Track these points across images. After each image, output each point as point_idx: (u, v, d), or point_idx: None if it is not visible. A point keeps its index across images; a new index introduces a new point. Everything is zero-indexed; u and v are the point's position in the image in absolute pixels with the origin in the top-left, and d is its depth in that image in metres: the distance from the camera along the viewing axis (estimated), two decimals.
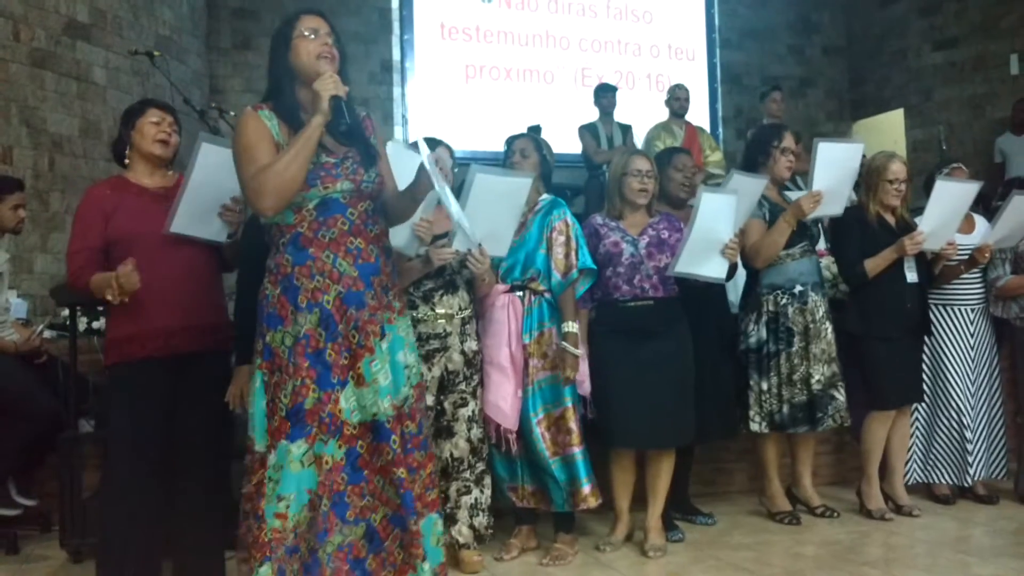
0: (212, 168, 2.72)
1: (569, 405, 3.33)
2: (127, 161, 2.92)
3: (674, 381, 3.38)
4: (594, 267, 3.40)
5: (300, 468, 2.29)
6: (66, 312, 3.71)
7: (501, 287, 3.35)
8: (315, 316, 2.31)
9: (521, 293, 3.36)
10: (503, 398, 3.26)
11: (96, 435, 3.58)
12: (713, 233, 3.29)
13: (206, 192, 2.75)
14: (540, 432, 3.31)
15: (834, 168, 3.70)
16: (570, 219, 3.42)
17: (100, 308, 3.63)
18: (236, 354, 3.06)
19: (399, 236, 2.97)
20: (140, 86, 5.94)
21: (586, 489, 3.32)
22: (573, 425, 3.31)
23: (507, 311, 3.32)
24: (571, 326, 3.33)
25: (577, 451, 3.31)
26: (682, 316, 3.46)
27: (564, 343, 3.30)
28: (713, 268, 3.34)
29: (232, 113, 5.04)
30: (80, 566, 3.36)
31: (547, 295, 3.38)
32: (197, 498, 2.84)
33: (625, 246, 3.45)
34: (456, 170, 3.41)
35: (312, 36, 2.36)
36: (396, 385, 2.37)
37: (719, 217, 3.29)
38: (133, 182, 2.88)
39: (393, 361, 2.38)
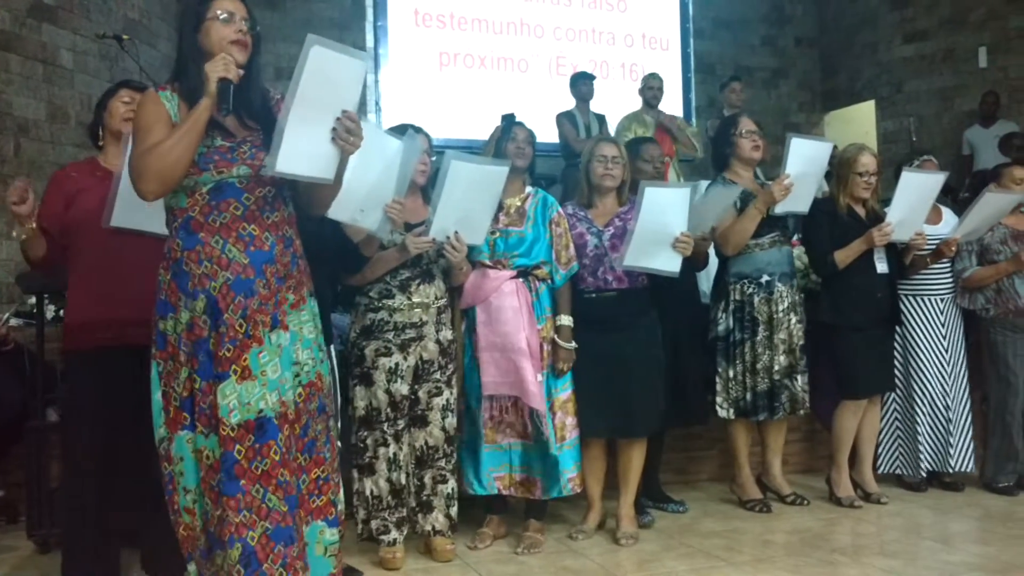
0: None
1: (572, 389, 3.37)
2: (101, 144, 2.89)
3: (641, 371, 3.39)
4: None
5: (194, 462, 2.22)
6: (33, 300, 3.65)
7: (507, 273, 3.33)
8: (201, 303, 2.20)
9: (526, 279, 3.35)
10: (531, 383, 3.25)
11: (63, 424, 3.53)
12: (662, 227, 3.27)
13: None
14: (551, 416, 3.32)
15: (804, 163, 3.71)
16: (563, 211, 3.45)
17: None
18: None
19: (371, 218, 2.94)
20: (108, 70, 5.85)
21: (578, 474, 3.37)
22: (575, 408, 3.37)
23: (517, 297, 3.31)
24: (565, 319, 3.35)
25: (577, 434, 3.37)
26: (649, 307, 3.47)
27: (557, 337, 3.32)
28: (665, 262, 3.32)
29: None
30: (47, 557, 3.32)
31: (548, 282, 3.38)
32: (158, 490, 2.80)
33: (590, 238, 3.45)
34: (433, 158, 3.39)
35: (225, 19, 2.23)
36: (288, 383, 2.24)
37: (667, 211, 3.26)
38: (102, 165, 2.85)
39: (289, 357, 2.25)
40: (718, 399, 3.83)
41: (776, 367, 3.76)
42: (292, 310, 2.29)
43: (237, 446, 2.15)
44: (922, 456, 4.11)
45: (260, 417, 2.18)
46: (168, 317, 2.24)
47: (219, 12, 2.23)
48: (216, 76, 2.16)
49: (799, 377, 3.80)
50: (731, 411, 3.82)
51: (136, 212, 2.65)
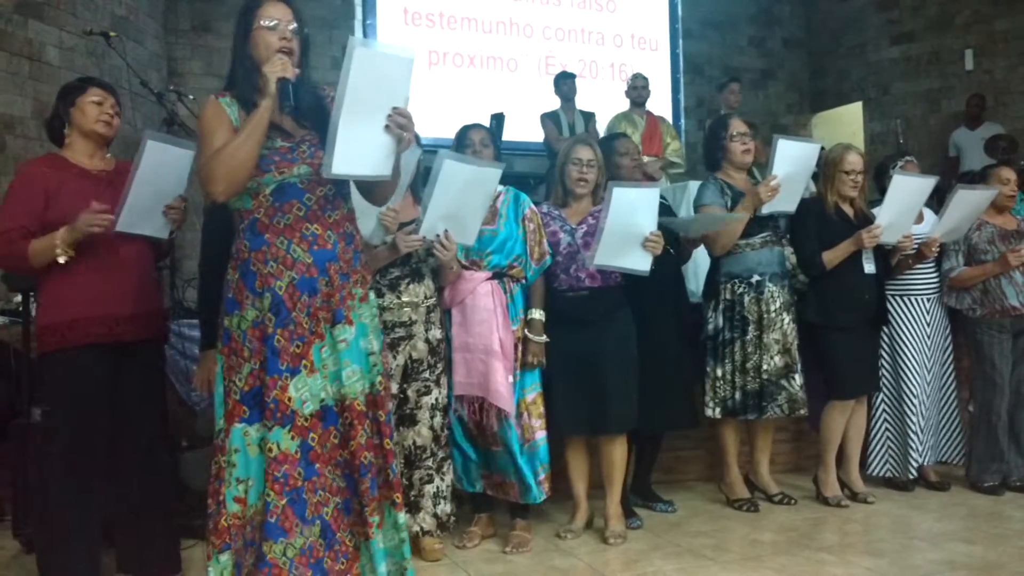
0: (157, 166, 2.65)
1: (540, 390, 3.37)
2: (66, 140, 2.84)
3: (615, 368, 3.39)
4: (552, 253, 3.43)
5: (257, 453, 2.30)
6: (18, 298, 3.62)
7: (482, 274, 3.34)
8: (267, 301, 2.30)
9: (500, 280, 3.35)
10: (501, 383, 3.25)
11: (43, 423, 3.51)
12: (631, 227, 3.27)
13: (151, 190, 2.67)
14: (516, 422, 3.31)
15: (791, 165, 3.73)
16: (534, 207, 3.46)
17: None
18: (200, 340, 3.05)
19: (365, 225, 2.94)
20: (95, 67, 5.81)
21: (545, 476, 3.36)
22: (543, 410, 3.37)
23: (492, 298, 3.31)
24: (536, 313, 3.35)
25: (542, 436, 3.36)
26: (623, 304, 3.48)
27: (528, 331, 3.33)
28: (635, 261, 3.32)
29: (192, 97, 4.96)
30: (33, 556, 3.29)
31: (522, 282, 3.38)
32: (143, 487, 2.80)
33: (563, 235, 3.46)
34: (422, 156, 3.38)
35: (271, 27, 2.32)
36: (365, 371, 2.37)
37: (636, 211, 3.27)
38: (73, 162, 2.80)
39: (358, 349, 2.36)
40: (707, 398, 3.84)
41: (768, 367, 3.77)
42: (361, 303, 2.40)
43: (311, 434, 2.30)
44: (911, 455, 4.13)
45: (323, 406, 2.33)
46: (234, 314, 2.33)
47: (264, 20, 2.33)
48: (275, 76, 2.26)
49: (796, 377, 3.81)
50: (718, 410, 3.83)
51: (141, 218, 2.69)
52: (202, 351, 3.02)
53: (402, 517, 2.46)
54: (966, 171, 7.43)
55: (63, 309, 2.71)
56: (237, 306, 2.33)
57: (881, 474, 4.23)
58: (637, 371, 3.46)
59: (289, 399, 2.28)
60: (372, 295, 2.48)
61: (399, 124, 2.30)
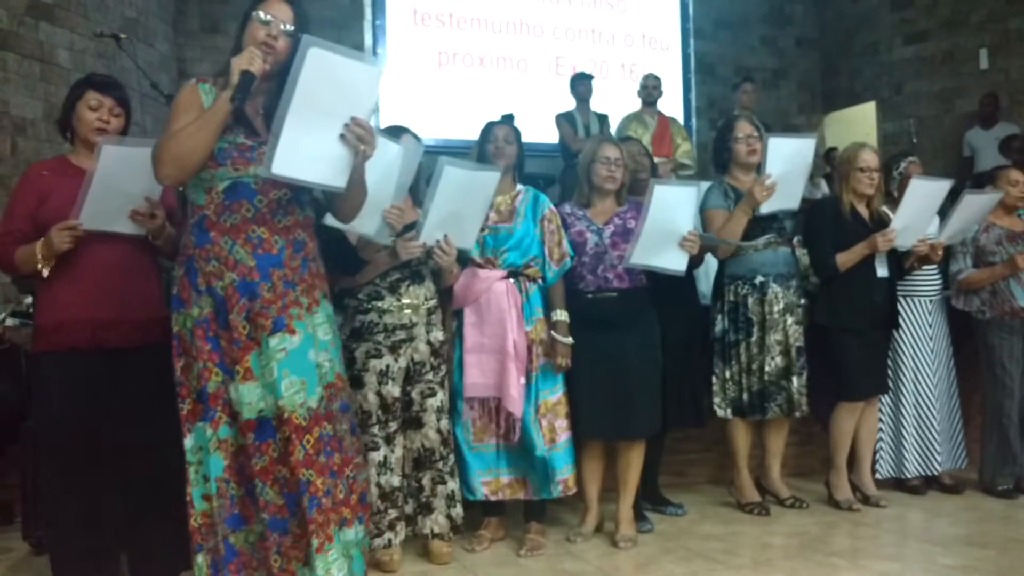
0: (115, 169, 2.59)
1: (564, 391, 3.36)
2: (70, 143, 2.85)
3: (640, 372, 3.37)
4: (573, 254, 3.41)
5: (216, 451, 2.29)
6: (29, 299, 3.63)
7: (498, 273, 3.32)
8: (210, 301, 2.27)
9: (516, 280, 3.34)
10: (514, 386, 3.23)
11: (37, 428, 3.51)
12: (669, 225, 3.26)
13: (113, 192, 2.62)
14: (538, 419, 3.31)
15: (785, 162, 3.69)
16: (554, 207, 3.44)
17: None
18: None
19: (370, 224, 2.93)
20: (106, 69, 5.82)
21: (572, 475, 3.36)
22: (566, 411, 3.36)
23: (508, 298, 3.29)
24: (560, 314, 3.33)
25: (567, 437, 3.35)
26: (649, 307, 3.46)
27: (555, 332, 3.31)
28: (671, 260, 3.32)
29: None
30: (42, 558, 3.29)
31: (540, 282, 3.37)
32: (151, 495, 2.78)
33: (590, 235, 3.44)
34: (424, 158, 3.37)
35: (265, 22, 2.28)
36: (310, 384, 2.29)
37: (675, 209, 3.27)
38: (75, 164, 2.80)
39: (303, 360, 2.29)
40: (716, 399, 3.83)
41: (768, 368, 3.75)
42: (307, 313, 2.33)
43: (246, 439, 2.27)
44: (907, 458, 4.11)
45: (260, 417, 2.25)
46: (180, 312, 2.31)
47: (262, 14, 2.30)
48: (239, 68, 2.20)
49: (795, 378, 3.78)
50: (728, 411, 3.82)
51: (103, 214, 2.64)
52: None
53: (351, 533, 2.35)
54: (980, 171, 7.38)
55: (51, 312, 2.71)
56: (182, 304, 2.30)
57: (887, 475, 4.19)
58: (661, 375, 3.45)
59: (233, 402, 2.27)
60: (326, 303, 2.41)
61: (357, 135, 2.23)
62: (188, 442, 2.29)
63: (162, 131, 2.29)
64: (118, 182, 2.61)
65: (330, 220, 2.69)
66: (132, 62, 4.89)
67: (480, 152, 3.42)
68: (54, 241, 2.59)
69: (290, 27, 2.30)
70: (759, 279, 3.78)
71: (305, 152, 2.19)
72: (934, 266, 4.13)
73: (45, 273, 2.62)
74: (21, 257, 2.67)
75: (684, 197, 3.31)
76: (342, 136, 2.23)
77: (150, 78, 4.82)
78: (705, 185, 4.17)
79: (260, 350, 2.25)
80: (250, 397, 2.24)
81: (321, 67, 2.14)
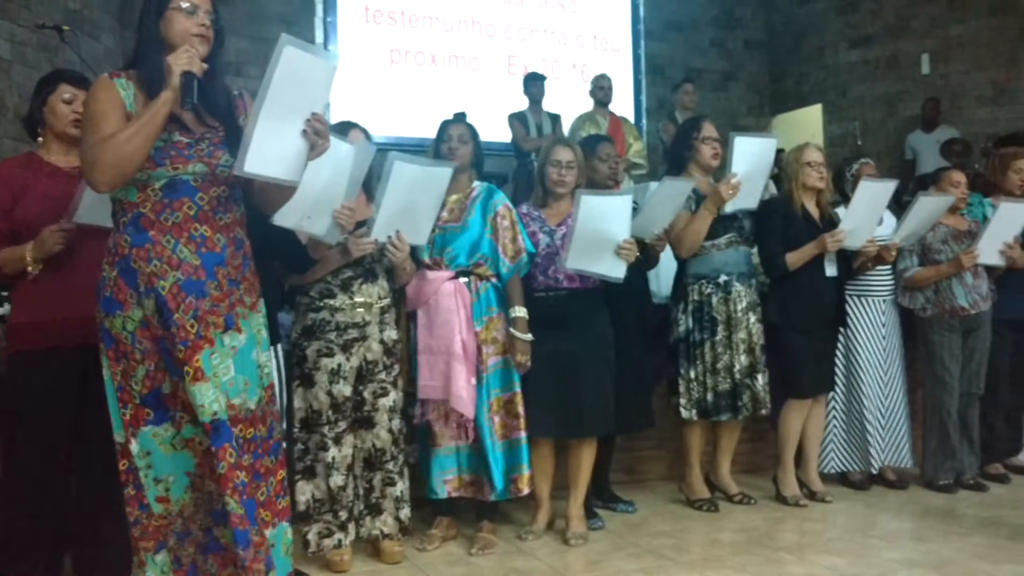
0: None
1: (518, 390, 3.36)
2: (40, 138, 2.78)
3: (592, 371, 3.39)
4: (534, 251, 3.41)
5: (173, 451, 2.23)
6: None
7: (446, 274, 3.31)
8: (152, 302, 2.19)
9: (466, 279, 3.32)
10: (462, 387, 3.22)
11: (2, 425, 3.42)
12: (602, 234, 3.27)
13: None
14: (490, 418, 3.32)
15: (749, 161, 3.75)
16: (510, 204, 3.43)
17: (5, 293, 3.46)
18: None
19: (320, 224, 2.90)
20: (48, 62, 5.67)
21: (527, 474, 3.36)
22: (520, 410, 3.35)
23: (455, 299, 3.28)
24: (519, 311, 3.33)
25: (522, 435, 3.35)
26: (601, 307, 3.47)
27: (513, 329, 3.30)
28: (608, 267, 3.32)
29: None
30: None
31: (493, 280, 3.36)
32: (104, 490, 2.73)
33: (542, 236, 3.45)
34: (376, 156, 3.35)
35: (190, 11, 2.20)
36: (252, 385, 2.25)
37: (607, 219, 3.26)
38: (46, 160, 2.74)
39: (247, 359, 2.26)
40: (681, 400, 3.85)
41: (737, 367, 3.79)
42: (250, 312, 2.29)
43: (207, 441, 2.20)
44: (872, 453, 4.18)
45: (215, 420, 2.17)
46: (116, 315, 2.21)
47: (183, 3, 2.20)
48: (180, 69, 2.13)
49: (759, 376, 3.83)
50: (694, 412, 3.84)
51: (101, 208, 2.56)
52: None
53: (270, 532, 2.28)
54: (922, 174, 7.55)
55: (33, 310, 2.66)
56: (119, 306, 2.20)
57: (835, 470, 4.27)
58: (613, 374, 3.46)
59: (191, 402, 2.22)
60: (262, 303, 2.38)
61: (316, 130, 2.21)
62: (134, 447, 2.22)
63: (85, 132, 2.18)
64: None
65: (279, 219, 2.66)
66: (75, 55, 4.77)
67: (435, 151, 3.42)
68: (47, 243, 2.54)
69: (212, 16, 2.24)
70: (723, 278, 3.81)
71: (272, 149, 2.17)
72: (888, 267, 4.21)
73: (34, 274, 2.56)
74: (5, 258, 2.60)
75: (615, 207, 3.30)
76: (303, 131, 2.22)
77: (95, 71, 4.71)
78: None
79: (212, 348, 2.20)
80: (203, 399, 2.16)
81: (291, 64, 2.13)
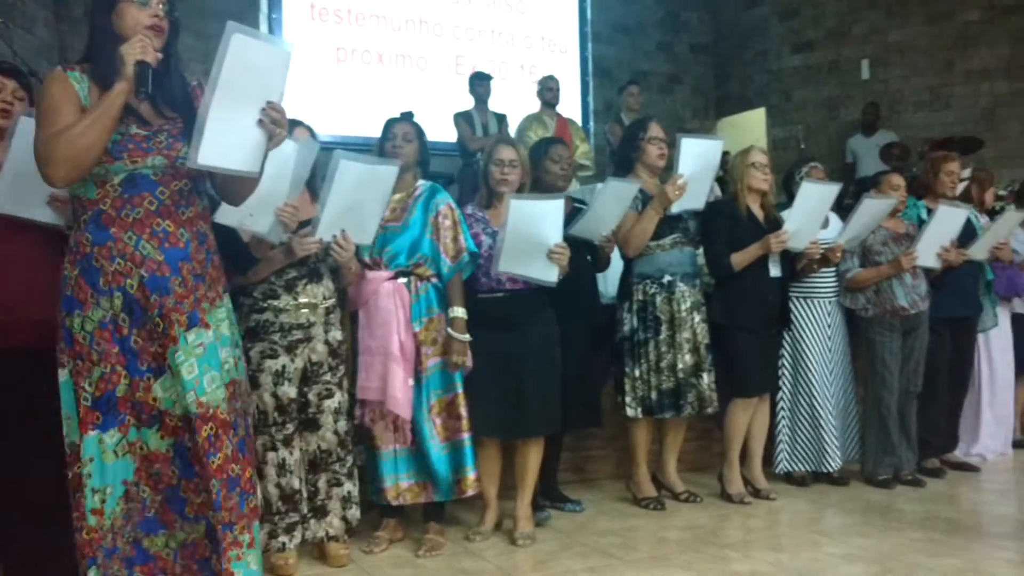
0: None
1: (460, 391, 3.33)
2: None
3: (536, 370, 3.39)
4: (477, 251, 3.39)
5: (114, 459, 2.19)
6: None
7: (385, 274, 3.28)
8: (119, 300, 2.16)
9: (406, 280, 3.30)
10: (398, 388, 3.19)
11: None
12: (534, 238, 3.26)
13: (30, 175, 2.43)
14: (431, 419, 3.29)
15: (695, 162, 3.78)
16: (453, 203, 3.40)
17: None
18: None
19: (263, 222, 2.86)
20: None
21: (472, 476, 3.33)
22: (463, 411, 3.33)
23: (394, 299, 3.25)
24: (458, 311, 3.31)
25: (466, 437, 3.32)
26: (544, 307, 3.47)
27: (451, 329, 3.28)
28: (540, 271, 3.31)
29: None
30: None
31: (434, 280, 3.33)
32: (32, 498, 2.64)
33: (485, 238, 3.43)
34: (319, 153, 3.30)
35: (142, 2, 2.16)
36: (217, 381, 2.23)
37: (540, 223, 3.25)
38: None
39: (215, 355, 2.24)
40: (626, 398, 3.86)
41: (681, 366, 3.81)
42: (214, 308, 2.27)
43: (186, 435, 2.20)
44: (829, 452, 4.23)
45: (187, 415, 2.19)
46: (75, 314, 2.17)
47: None
48: (133, 59, 2.09)
49: (705, 375, 3.86)
50: (639, 410, 3.86)
51: (23, 199, 2.52)
52: None
53: (245, 535, 2.27)
54: (862, 177, 7.70)
55: None
56: (79, 305, 2.16)
57: (788, 470, 4.32)
58: (559, 374, 3.46)
59: (155, 399, 2.18)
60: (227, 298, 2.35)
61: (272, 119, 2.19)
62: (82, 452, 2.17)
63: (39, 126, 2.15)
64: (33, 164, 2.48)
65: (220, 217, 2.62)
66: (8, 48, 4.63)
67: (380, 150, 3.39)
68: None
69: (166, 6, 2.21)
70: (667, 278, 3.84)
71: (227, 140, 2.14)
72: (833, 268, 4.28)
73: None
74: None
75: (546, 211, 3.28)
76: (260, 121, 2.19)
77: (28, 65, 4.58)
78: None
79: (176, 347, 2.17)
80: (175, 394, 2.17)
81: (242, 52, 2.09)
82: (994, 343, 4.88)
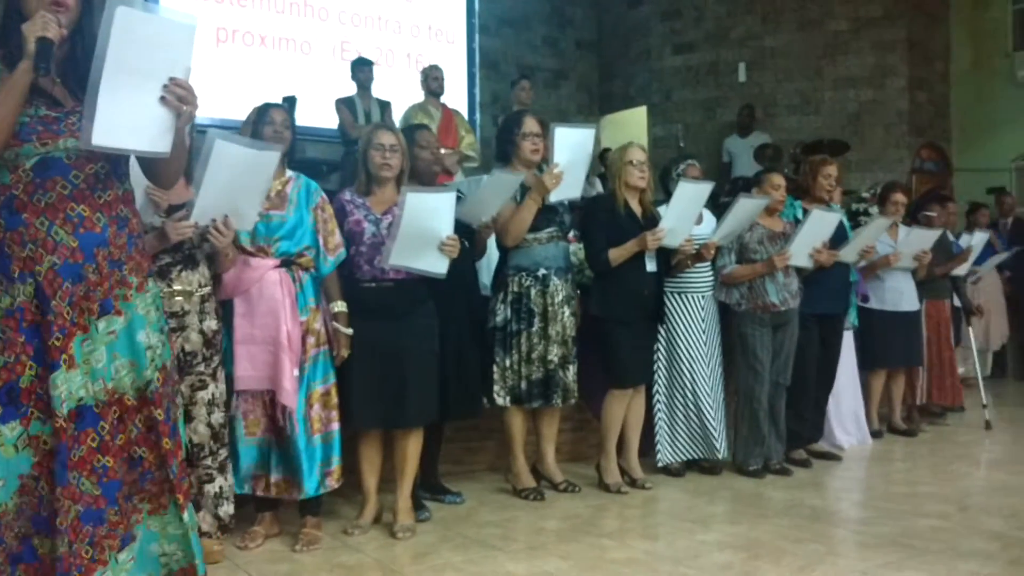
0: None
1: (334, 381, 3.29)
2: None
3: (416, 361, 3.37)
4: (347, 250, 3.35)
5: (13, 453, 2.09)
6: None
7: (271, 262, 3.19)
8: (30, 288, 2.08)
9: (289, 269, 3.22)
10: (287, 379, 3.12)
11: None
12: (427, 231, 3.27)
13: None
14: (307, 411, 3.23)
15: (570, 151, 3.83)
16: (326, 196, 3.37)
17: None
18: None
19: None
20: None
21: (338, 467, 3.29)
22: (336, 400, 3.29)
23: (280, 288, 3.17)
24: (341, 305, 3.28)
25: (336, 427, 3.28)
26: (426, 297, 3.46)
27: (336, 323, 3.25)
28: (430, 263, 3.33)
29: None
30: None
31: (312, 271, 3.27)
32: None
33: (367, 225, 3.39)
34: (194, 135, 3.17)
35: None
36: (138, 366, 2.18)
37: (432, 216, 3.27)
38: None
39: (133, 342, 2.18)
40: (496, 387, 3.89)
41: (550, 357, 3.86)
42: (136, 293, 2.19)
43: (67, 436, 2.10)
44: (714, 441, 4.34)
45: (80, 406, 2.11)
46: None
47: None
48: (34, 36, 2.00)
49: (570, 368, 3.93)
50: (508, 399, 3.89)
51: None
52: None
53: (188, 516, 2.28)
54: (737, 176, 7.99)
55: None
56: None
57: (667, 463, 4.42)
58: (438, 364, 3.45)
59: (51, 398, 2.10)
60: (152, 283, 2.29)
61: (178, 96, 2.11)
62: None
63: None
64: None
65: None
66: None
67: (255, 134, 3.27)
68: None
69: None
70: (542, 271, 3.88)
71: (125, 119, 2.05)
72: (707, 264, 4.41)
73: None
74: None
75: (440, 203, 3.30)
76: (162, 98, 2.10)
77: None
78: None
79: (85, 335, 2.10)
80: (74, 387, 2.08)
81: (131, 27, 2.00)
82: (845, 339, 5.13)
